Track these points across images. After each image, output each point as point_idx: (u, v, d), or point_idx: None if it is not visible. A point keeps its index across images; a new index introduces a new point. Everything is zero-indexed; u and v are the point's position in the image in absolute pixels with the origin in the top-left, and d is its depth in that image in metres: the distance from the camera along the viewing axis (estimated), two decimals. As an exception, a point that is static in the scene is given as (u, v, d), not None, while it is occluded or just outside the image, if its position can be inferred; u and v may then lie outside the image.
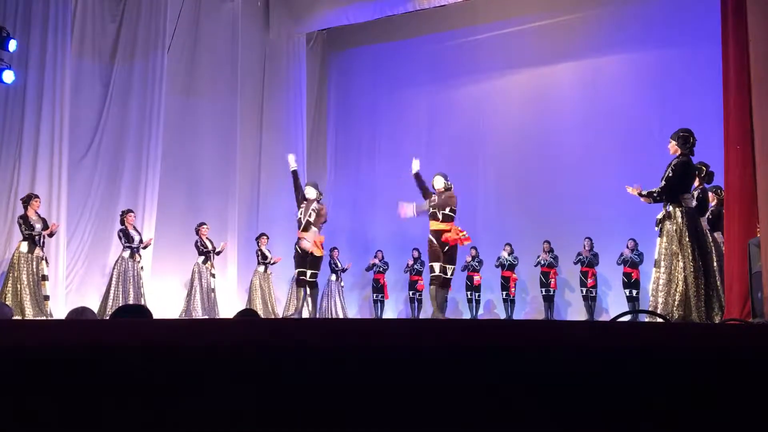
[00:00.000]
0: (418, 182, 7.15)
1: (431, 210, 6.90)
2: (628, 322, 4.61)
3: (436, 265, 6.83)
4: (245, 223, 11.09)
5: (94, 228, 9.18)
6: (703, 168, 5.76)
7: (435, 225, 6.87)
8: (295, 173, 7.63)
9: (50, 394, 1.18)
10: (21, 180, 8.16)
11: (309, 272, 7.30)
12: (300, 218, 7.35)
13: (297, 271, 7.42)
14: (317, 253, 7.35)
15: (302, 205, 7.41)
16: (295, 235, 7.50)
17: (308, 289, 7.37)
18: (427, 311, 11.54)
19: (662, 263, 4.86)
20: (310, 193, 7.44)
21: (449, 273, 6.89)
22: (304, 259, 7.31)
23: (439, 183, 7.04)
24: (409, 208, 7.12)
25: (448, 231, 6.82)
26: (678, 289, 4.73)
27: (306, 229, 7.26)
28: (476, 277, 10.87)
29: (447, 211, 6.88)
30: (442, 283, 6.87)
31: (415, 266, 11.33)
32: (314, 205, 7.37)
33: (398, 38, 12.37)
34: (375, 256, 11.66)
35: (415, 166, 7.14)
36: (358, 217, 12.41)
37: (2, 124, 8.15)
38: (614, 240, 9.92)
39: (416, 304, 11.39)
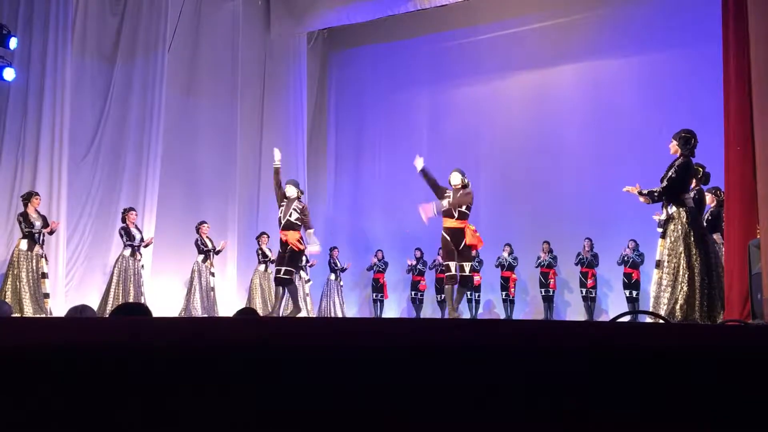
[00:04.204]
0: (426, 179, 6.91)
1: (447, 207, 6.77)
2: (628, 322, 4.61)
3: (452, 264, 6.74)
4: (245, 222, 11.10)
5: (94, 226, 9.18)
6: (700, 169, 5.74)
7: (449, 222, 6.75)
8: (277, 170, 7.33)
9: (49, 393, 1.18)
10: (23, 178, 8.14)
11: (283, 269, 7.10)
12: (280, 217, 7.19)
13: (275, 269, 7.32)
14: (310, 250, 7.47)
15: (282, 204, 7.24)
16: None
17: (286, 288, 7.22)
18: (426, 311, 11.55)
19: (665, 264, 4.85)
20: (291, 191, 7.25)
21: (467, 270, 6.79)
22: (283, 257, 7.17)
23: (456, 179, 6.88)
24: (429, 209, 6.82)
25: (462, 228, 6.73)
26: (682, 290, 4.72)
27: (288, 228, 7.12)
28: (476, 277, 10.86)
29: (463, 209, 6.77)
30: (460, 282, 6.79)
31: (418, 266, 11.32)
32: (295, 203, 7.19)
33: (399, 38, 12.38)
34: (375, 256, 11.67)
35: (419, 164, 6.93)
36: (358, 216, 12.42)
37: (4, 123, 8.14)
38: (614, 240, 9.92)
39: (418, 304, 11.39)
